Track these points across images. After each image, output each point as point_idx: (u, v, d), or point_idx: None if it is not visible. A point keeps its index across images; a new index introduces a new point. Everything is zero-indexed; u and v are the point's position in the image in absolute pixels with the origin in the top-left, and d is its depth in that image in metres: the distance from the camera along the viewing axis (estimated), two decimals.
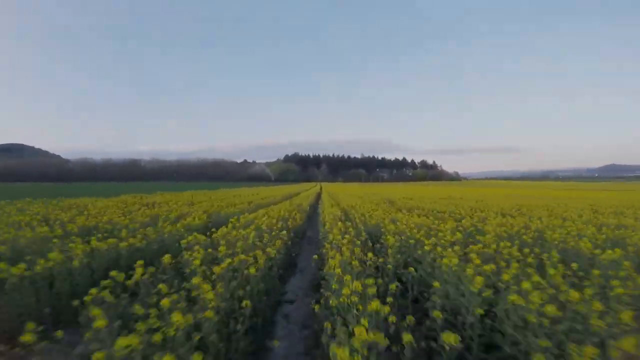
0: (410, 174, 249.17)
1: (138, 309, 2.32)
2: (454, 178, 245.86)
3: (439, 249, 3.92)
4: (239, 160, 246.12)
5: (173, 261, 3.74)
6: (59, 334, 2.22)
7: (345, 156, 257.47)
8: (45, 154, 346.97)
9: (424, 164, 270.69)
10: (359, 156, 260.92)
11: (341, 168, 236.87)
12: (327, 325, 2.35)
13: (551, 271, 2.93)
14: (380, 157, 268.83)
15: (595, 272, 2.97)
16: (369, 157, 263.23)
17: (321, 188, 41.90)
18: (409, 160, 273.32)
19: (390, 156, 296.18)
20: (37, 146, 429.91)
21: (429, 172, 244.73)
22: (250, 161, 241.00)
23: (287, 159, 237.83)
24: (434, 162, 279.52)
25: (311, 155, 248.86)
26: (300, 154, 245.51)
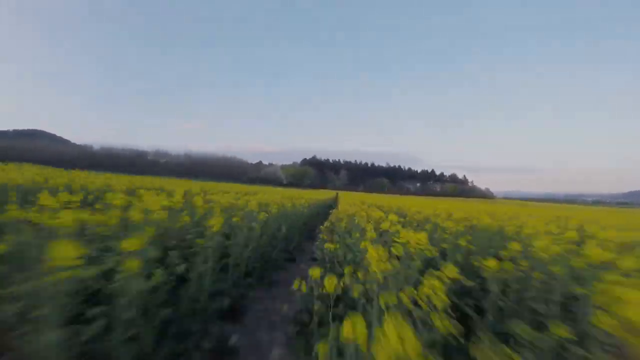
0: (439, 188, 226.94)
1: None
2: (486, 195, 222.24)
3: None
4: (254, 161, 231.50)
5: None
6: None
7: (369, 163, 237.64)
8: (66, 142, 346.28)
9: (453, 177, 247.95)
10: (383, 164, 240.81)
11: (363, 176, 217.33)
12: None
13: None
14: (406, 168, 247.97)
15: None
16: (394, 166, 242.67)
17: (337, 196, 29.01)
18: (438, 173, 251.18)
19: (417, 167, 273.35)
20: (58, 134, 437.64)
21: (458, 187, 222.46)
22: (266, 163, 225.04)
23: (304, 162, 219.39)
24: (464, 176, 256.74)
25: (330, 160, 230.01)
26: (318, 158, 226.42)
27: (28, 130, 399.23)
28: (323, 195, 24.03)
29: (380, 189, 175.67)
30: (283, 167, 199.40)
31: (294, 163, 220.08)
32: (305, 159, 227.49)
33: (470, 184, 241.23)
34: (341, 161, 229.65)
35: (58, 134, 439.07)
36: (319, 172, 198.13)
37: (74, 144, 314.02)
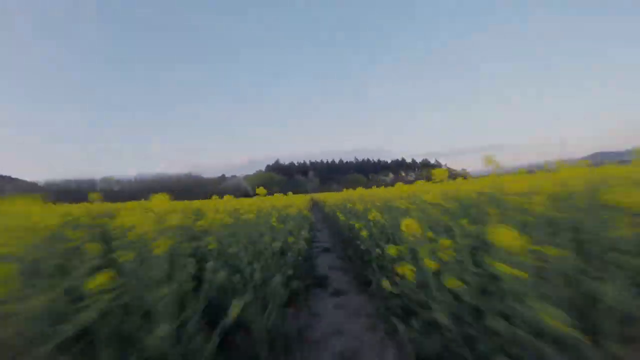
0: (414, 176, 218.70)
1: None
2: (461, 176, 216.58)
3: None
4: (216, 176, 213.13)
5: None
6: None
7: (337, 161, 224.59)
8: (14, 180, 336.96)
9: (425, 163, 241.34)
10: (352, 160, 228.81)
11: (333, 175, 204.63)
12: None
13: None
14: (376, 160, 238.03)
15: None
16: (364, 160, 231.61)
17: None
18: (409, 161, 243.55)
19: (387, 158, 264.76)
20: (14, 176, 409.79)
21: (431, 172, 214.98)
22: (229, 176, 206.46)
23: (268, 169, 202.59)
24: (436, 160, 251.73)
25: (296, 162, 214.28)
26: (281, 162, 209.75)
27: None
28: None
29: (356, 185, 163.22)
30: (247, 177, 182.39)
31: (258, 171, 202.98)
32: (268, 165, 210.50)
33: (444, 167, 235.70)
34: (307, 162, 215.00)
35: (7, 174, 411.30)
36: (287, 177, 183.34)
37: (24, 181, 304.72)
